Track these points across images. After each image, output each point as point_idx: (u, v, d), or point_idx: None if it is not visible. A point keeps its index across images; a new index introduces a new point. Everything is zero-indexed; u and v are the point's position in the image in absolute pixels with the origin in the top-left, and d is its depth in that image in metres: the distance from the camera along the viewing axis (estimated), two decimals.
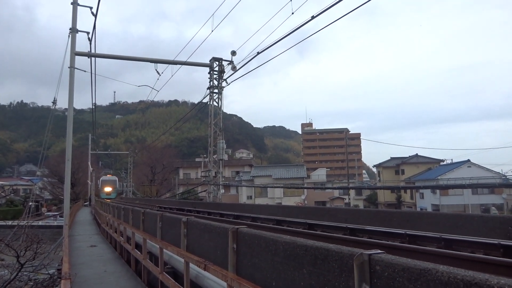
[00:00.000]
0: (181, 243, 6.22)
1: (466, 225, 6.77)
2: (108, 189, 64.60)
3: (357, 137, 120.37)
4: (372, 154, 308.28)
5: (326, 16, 12.82)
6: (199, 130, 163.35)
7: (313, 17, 13.25)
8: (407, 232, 6.78)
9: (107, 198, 50.92)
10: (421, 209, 51.30)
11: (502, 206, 48.88)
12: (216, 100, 24.91)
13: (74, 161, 45.55)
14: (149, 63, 22.35)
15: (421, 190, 54.60)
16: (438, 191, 49.39)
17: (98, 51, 20.14)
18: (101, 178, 67.48)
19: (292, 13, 13.89)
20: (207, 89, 24.96)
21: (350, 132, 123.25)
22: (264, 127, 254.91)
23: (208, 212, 17.28)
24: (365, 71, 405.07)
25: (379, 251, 2.49)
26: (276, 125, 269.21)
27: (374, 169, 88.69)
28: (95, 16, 17.49)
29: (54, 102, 23.68)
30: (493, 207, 47.25)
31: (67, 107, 18.62)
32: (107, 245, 16.03)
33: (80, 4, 18.14)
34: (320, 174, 74.10)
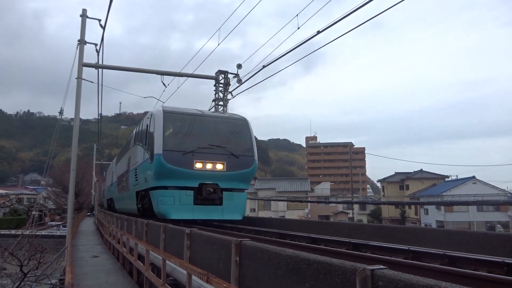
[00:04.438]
0: (184, 255, 6.22)
1: (470, 243, 6.73)
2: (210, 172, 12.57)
3: (361, 151, 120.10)
4: (377, 169, 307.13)
5: (332, 31, 12.97)
6: None
7: (318, 32, 13.37)
8: (411, 248, 6.75)
9: (206, 220, 12.87)
10: (425, 225, 50.90)
11: (508, 224, 48.39)
12: (221, 112, 25.02)
13: (79, 171, 44.26)
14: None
15: (425, 206, 54.20)
16: (443, 207, 49.02)
17: (105, 61, 20.41)
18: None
19: (298, 28, 14.03)
20: (212, 101, 25.04)
21: (354, 146, 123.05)
22: (269, 139, 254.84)
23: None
24: (370, 86, 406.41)
25: (382, 266, 2.50)
26: (280, 138, 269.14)
27: (378, 184, 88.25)
28: (104, 28, 17.74)
29: (61, 112, 23.83)
30: (498, 225, 46.79)
31: (73, 117, 18.78)
32: (110, 255, 16.01)
33: (89, 16, 18.44)
34: (324, 188, 73.89)
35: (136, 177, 14.96)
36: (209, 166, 12.41)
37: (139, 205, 15.06)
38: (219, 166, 12.57)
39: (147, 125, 13.77)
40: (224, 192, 12.66)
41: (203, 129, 13.30)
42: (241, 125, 14.14)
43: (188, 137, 12.77)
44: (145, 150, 13.41)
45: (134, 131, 18.54)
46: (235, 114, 15.28)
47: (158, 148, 12.07)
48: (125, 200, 19.98)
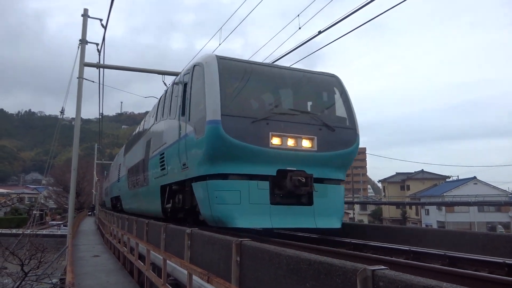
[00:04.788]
0: (185, 255, 6.22)
1: (471, 243, 6.72)
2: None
3: (362, 151, 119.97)
4: (378, 169, 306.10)
5: (333, 31, 12.97)
6: None
7: (320, 32, 13.37)
8: (411, 249, 6.74)
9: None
10: (426, 225, 50.86)
11: (509, 225, 48.35)
12: None
13: (80, 170, 43.67)
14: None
15: (426, 207, 54.17)
16: (443, 207, 49.00)
17: (106, 61, 20.35)
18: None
19: (299, 28, 14.03)
20: None
21: None
22: None
23: None
24: (370, 87, 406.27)
25: (383, 267, 2.49)
26: None
27: (379, 184, 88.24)
28: (105, 28, 17.74)
29: (62, 112, 23.86)
30: (499, 225, 46.75)
31: (74, 116, 18.80)
32: (111, 255, 16.03)
33: (90, 16, 18.45)
34: None
35: (162, 166, 10.49)
36: (291, 142, 7.77)
37: (168, 205, 10.59)
38: (307, 143, 7.93)
39: (185, 84, 9.05)
40: (315, 185, 7.89)
41: (277, 87, 8.70)
42: (332, 83, 9.19)
43: (256, 98, 8.42)
44: (184, 121, 8.72)
45: (157, 103, 13.28)
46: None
47: (213, 113, 7.41)
48: (139, 198, 15.04)
